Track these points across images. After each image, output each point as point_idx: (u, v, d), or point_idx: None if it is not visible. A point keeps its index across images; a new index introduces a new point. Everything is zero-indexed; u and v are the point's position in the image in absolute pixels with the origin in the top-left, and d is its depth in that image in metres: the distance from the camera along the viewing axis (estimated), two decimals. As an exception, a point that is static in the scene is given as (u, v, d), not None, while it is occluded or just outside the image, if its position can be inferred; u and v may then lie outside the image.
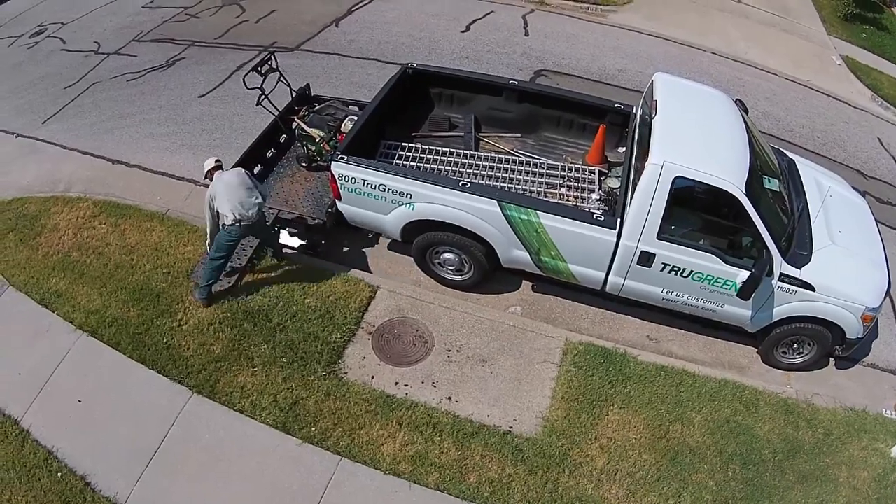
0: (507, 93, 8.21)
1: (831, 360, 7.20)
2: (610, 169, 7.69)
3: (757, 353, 7.10)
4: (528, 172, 7.61)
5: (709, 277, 6.30)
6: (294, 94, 8.60)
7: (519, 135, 8.33)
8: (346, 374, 6.52)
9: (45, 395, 6.39)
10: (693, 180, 5.95)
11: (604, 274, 6.64)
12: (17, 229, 8.35)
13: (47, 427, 6.15)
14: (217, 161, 6.97)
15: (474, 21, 13.72)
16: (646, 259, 6.30)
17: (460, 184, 6.61)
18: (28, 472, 5.82)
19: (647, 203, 6.02)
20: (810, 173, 7.44)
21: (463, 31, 13.26)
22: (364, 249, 8.01)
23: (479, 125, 8.44)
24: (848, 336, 6.50)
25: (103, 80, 12.38)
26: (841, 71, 13.68)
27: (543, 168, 7.67)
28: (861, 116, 12.19)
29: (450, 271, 7.46)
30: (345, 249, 8.00)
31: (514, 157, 7.90)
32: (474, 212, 6.55)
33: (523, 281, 7.70)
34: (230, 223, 6.57)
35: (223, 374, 6.42)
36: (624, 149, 7.75)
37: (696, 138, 6.37)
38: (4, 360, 6.71)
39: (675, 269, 6.31)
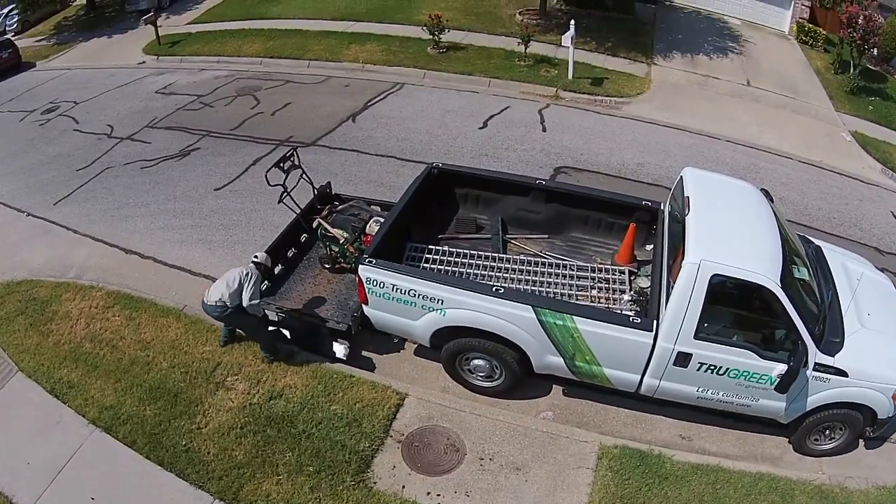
0: (534, 193, 8.26)
1: (861, 441, 7.01)
2: (639, 268, 7.66)
3: (788, 442, 6.95)
4: (557, 275, 7.55)
5: (745, 373, 6.17)
6: (315, 193, 8.63)
7: (546, 236, 8.32)
8: (375, 483, 6.20)
9: (56, 489, 6.16)
10: (730, 277, 5.86)
11: (639, 376, 6.46)
12: (27, 313, 8.26)
13: (57, 523, 5.82)
14: (255, 258, 7.25)
15: (491, 117, 14.04)
16: (682, 359, 6.17)
17: (493, 289, 6.51)
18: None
19: (685, 303, 5.93)
20: (837, 258, 7.48)
21: (481, 128, 13.53)
22: (389, 354, 7.80)
23: (506, 227, 8.44)
24: (879, 416, 6.39)
25: (116, 166, 12.53)
26: (851, 147, 13.97)
27: (573, 270, 7.62)
28: (874, 192, 12.40)
29: (479, 378, 7.24)
30: (370, 354, 7.80)
31: (542, 260, 7.85)
32: (508, 318, 6.43)
33: (553, 385, 7.47)
34: None
35: (246, 480, 6.14)
36: (651, 246, 7.76)
37: (729, 234, 6.34)
38: (12, 448, 6.53)
39: (712, 367, 6.18)
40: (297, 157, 8.41)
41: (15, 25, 24.88)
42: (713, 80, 16.54)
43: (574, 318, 6.24)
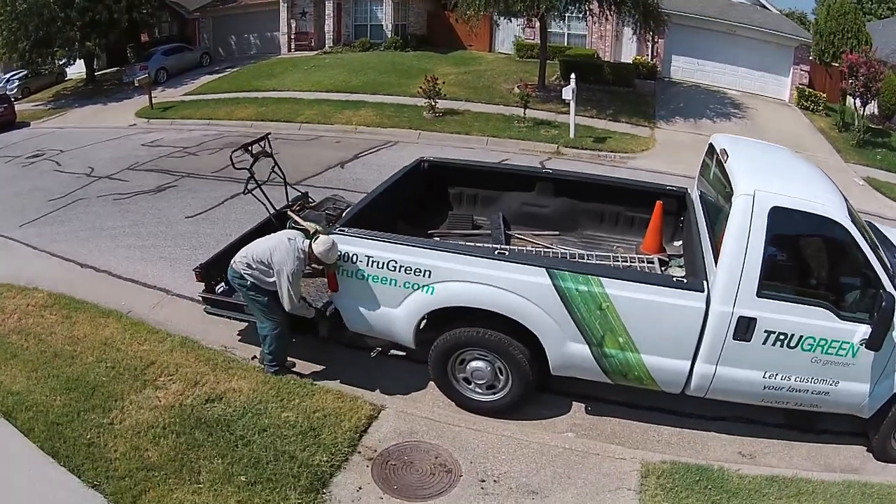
0: (541, 184, 7.12)
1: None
2: (670, 259, 6.35)
3: (868, 451, 5.44)
4: (574, 265, 6.20)
5: (822, 343, 4.75)
6: (288, 191, 7.59)
7: (557, 233, 7.07)
8: (332, 508, 4.51)
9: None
10: (793, 210, 4.69)
11: (688, 364, 4.95)
12: (-38, 304, 7.30)
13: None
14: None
15: (490, 164, 13.32)
16: (744, 328, 4.73)
17: (496, 252, 5.17)
18: None
19: (742, 248, 4.62)
20: (892, 232, 6.39)
21: (478, 170, 12.75)
22: (364, 369, 6.23)
23: (508, 224, 7.21)
24: None
25: (89, 198, 11.96)
26: (865, 190, 13.60)
27: (592, 260, 6.26)
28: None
29: (478, 389, 5.62)
30: (339, 369, 6.24)
31: (555, 252, 6.53)
32: (515, 288, 5.00)
33: (573, 402, 5.90)
34: None
35: (153, 485, 4.53)
36: (681, 242, 6.60)
37: (779, 171, 5.43)
38: None
39: (781, 337, 4.74)
40: (269, 144, 7.38)
41: (15, 91, 25.23)
42: (719, 139, 16.06)
43: (602, 280, 4.84)
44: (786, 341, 4.74)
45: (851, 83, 16.67)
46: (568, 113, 16.19)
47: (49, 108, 23.27)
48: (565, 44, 23.87)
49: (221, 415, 5.20)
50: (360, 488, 4.69)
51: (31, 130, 20.36)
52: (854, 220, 4.86)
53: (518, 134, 15.88)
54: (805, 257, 5.14)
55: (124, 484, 4.50)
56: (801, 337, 4.73)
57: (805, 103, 19.35)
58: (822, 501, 4.63)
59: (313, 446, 4.94)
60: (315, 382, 5.80)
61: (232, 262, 5.71)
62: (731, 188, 4.87)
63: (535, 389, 5.58)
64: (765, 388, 4.95)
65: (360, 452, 5.03)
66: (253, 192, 7.00)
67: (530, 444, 5.20)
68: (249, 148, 7.06)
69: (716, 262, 4.84)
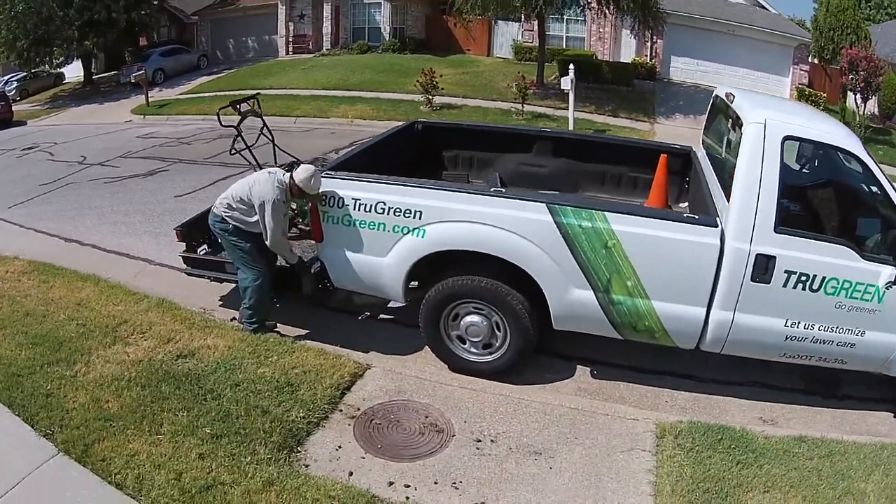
0: (539, 144, 6.75)
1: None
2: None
3: (895, 417, 5.02)
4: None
5: (846, 285, 4.34)
6: (275, 150, 7.38)
7: (556, 193, 6.69)
8: (307, 466, 4.03)
9: None
10: (805, 139, 4.59)
11: (703, 311, 4.51)
12: (-61, 273, 7.00)
13: None
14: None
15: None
16: (763, 267, 4.31)
17: (491, 189, 4.78)
18: None
19: (755, 178, 4.26)
20: None
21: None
22: (351, 332, 5.80)
23: (505, 185, 6.83)
24: None
25: (80, 182, 11.83)
26: None
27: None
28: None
29: (474, 348, 5.16)
30: (324, 331, 5.80)
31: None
32: (513, 226, 4.59)
33: (578, 366, 5.46)
34: None
35: (109, 435, 4.09)
36: (686, 203, 6.23)
37: (788, 108, 5.42)
38: None
39: (803, 278, 4.33)
40: (259, 104, 7.09)
41: (13, 93, 25.13)
42: (723, 132, 15.82)
43: (607, 215, 4.44)
44: (808, 283, 4.33)
45: (852, 78, 16.48)
46: (566, 108, 15.95)
47: (46, 108, 23.42)
48: (564, 46, 23.73)
49: (192, 369, 4.77)
50: (339, 447, 4.23)
51: (27, 128, 20.41)
52: (870, 155, 4.55)
53: (516, 125, 15.59)
54: (819, 190, 4.87)
55: (77, 433, 4.07)
56: (824, 279, 4.33)
57: (805, 103, 19.16)
58: (855, 461, 4.20)
59: (289, 402, 4.50)
60: (296, 341, 5.38)
61: (213, 207, 5.34)
62: (741, 122, 4.52)
63: (535, 351, 5.16)
64: (787, 338, 4.52)
65: (341, 410, 4.59)
66: (241, 152, 6.68)
67: (531, 403, 4.77)
68: (238, 106, 6.76)
69: (728, 200, 4.47)
